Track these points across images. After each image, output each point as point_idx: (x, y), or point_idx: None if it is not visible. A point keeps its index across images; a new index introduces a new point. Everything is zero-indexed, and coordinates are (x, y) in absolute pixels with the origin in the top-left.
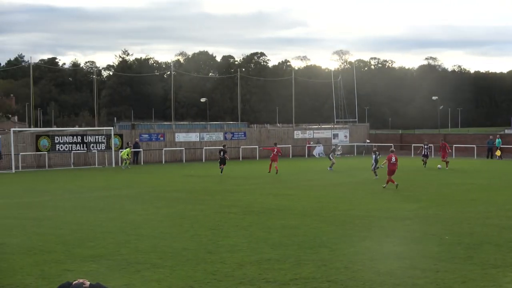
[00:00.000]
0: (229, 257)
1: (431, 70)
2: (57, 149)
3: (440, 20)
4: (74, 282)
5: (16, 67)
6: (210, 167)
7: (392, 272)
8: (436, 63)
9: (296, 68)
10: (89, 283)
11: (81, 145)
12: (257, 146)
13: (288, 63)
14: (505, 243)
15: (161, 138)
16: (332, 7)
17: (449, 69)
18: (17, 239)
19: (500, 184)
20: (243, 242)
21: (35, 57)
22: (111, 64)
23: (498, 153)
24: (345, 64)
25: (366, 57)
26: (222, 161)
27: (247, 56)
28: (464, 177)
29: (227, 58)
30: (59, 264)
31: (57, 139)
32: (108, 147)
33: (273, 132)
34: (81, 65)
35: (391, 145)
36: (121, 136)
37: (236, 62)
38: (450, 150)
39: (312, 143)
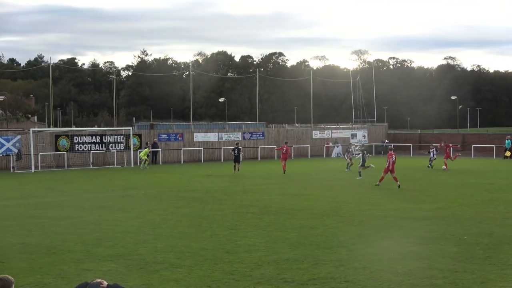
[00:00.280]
0: (247, 257)
1: (450, 70)
2: (76, 149)
3: (459, 20)
4: (92, 282)
5: (36, 67)
6: (229, 167)
7: (411, 272)
8: (455, 63)
9: (315, 68)
10: (106, 283)
11: (100, 145)
12: (275, 146)
13: (307, 63)
14: None
15: (180, 138)
16: (351, 7)
17: (468, 69)
18: (36, 238)
19: None
20: (261, 242)
21: (55, 57)
22: (130, 64)
23: (507, 153)
24: (363, 63)
25: (384, 57)
26: (237, 159)
27: (265, 56)
28: (483, 177)
29: (245, 58)
30: (78, 263)
31: (76, 139)
32: (127, 147)
33: (291, 132)
34: (100, 65)
35: (390, 144)
36: (139, 136)
37: (255, 62)
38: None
39: (330, 143)
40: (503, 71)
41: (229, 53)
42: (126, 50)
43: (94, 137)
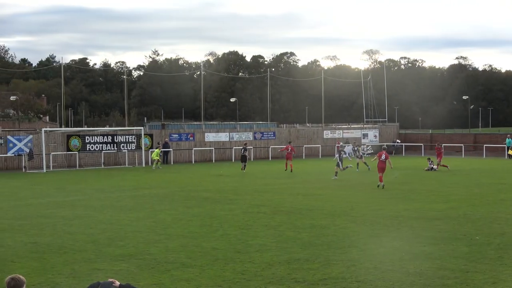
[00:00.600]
0: (258, 257)
1: (461, 70)
2: (87, 149)
3: (470, 19)
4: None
5: (48, 67)
6: (240, 167)
7: (422, 273)
8: (466, 62)
9: (326, 67)
10: (119, 283)
11: (112, 145)
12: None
13: (318, 63)
14: None
15: (191, 138)
16: (362, 6)
17: (480, 68)
18: (48, 238)
19: None
20: (272, 241)
21: (66, 57)
22: (141, 64)
23: (510, 152)
24: (375, 63)
25: (396, 57)
26: (244, 159)
27: (276, 56)
28: (495, 177)
29: (256, 58)
30: (90, 263)
31: (87, 139)
32: (138, 147)
33: (303, 132)
34: (111, 66)
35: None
36: (151, 136)
37: (266, 62)
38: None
39: (341, 143)
40: None
41: (240, 53)
42: (137, 50)
43: (105, 137)
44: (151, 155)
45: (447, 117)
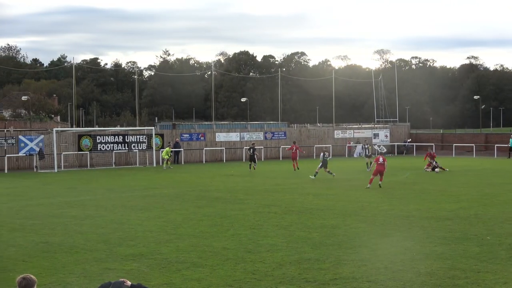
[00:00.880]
0: (269, 257)
1: (472, 69)
2: (98, 149)
3: (482, 19)
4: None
5: (59, 67)
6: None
7: (433, 273)
8: (477, 62)
9: (337, 67)
10: (130, 283)
11: (123, 144)
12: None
13: (329, 63)
14: None
15: (202, 138)
16: (374, 6)
17: (491, 68)
18: (59, 237)
19: None
20: (283, 241)
21: (77, 57)
22: (152, 64)
23: None
24: (386, 63)
25: (407, 56)
26: (252, 159)
27: (287, 56)
28: (506, 177)
29: (267, 58)
30: (101, 262)
31: (98, 139)
32: (149, 146)
33: (313, 131)
34: (122, 66)
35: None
36: (162, 136)
37: (277, 62)
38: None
39: (352, 143)
40: None
41: (251, 53)
42: (148, 50)
43: (116, 137)
44: (161, 154)
45: (458, 117)
